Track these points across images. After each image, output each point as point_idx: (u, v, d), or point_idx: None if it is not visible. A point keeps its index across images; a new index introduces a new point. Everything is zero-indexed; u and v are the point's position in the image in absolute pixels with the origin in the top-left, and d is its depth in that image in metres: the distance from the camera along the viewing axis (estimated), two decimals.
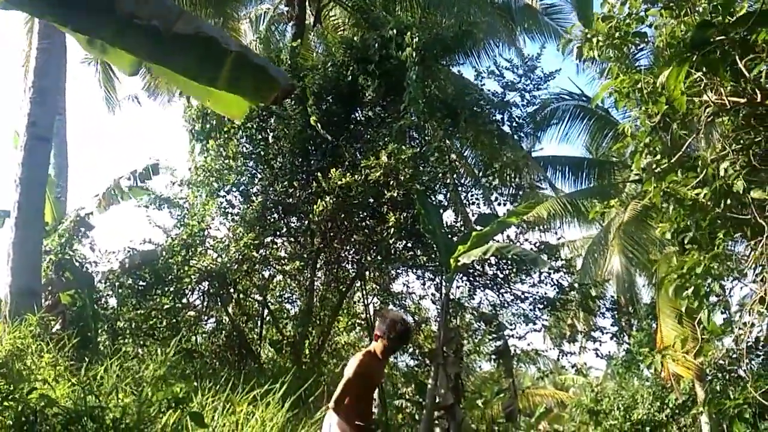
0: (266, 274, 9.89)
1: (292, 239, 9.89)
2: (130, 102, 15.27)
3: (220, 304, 9.26)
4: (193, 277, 8.36)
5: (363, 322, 11.29)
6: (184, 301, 9.01)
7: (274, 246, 9.82)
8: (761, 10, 3.58)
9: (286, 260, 9.70)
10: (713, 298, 6.03)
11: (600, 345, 11.85)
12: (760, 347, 7.52)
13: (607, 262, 16.19)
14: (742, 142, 4.25)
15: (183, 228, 8.72)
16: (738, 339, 7.30)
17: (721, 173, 4.05)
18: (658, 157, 4.44)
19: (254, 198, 8.89)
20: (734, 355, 7.56)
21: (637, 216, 12.33)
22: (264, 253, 9.19)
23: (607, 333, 10.80)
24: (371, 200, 8.83)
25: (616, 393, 12.40)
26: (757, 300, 5.80)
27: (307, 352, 9.56)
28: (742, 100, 4.18)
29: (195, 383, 5.21)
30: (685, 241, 4.80)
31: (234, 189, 9.19)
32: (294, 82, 7.41)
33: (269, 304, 9.99)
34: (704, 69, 3.93)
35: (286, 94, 5.01)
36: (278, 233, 9.71)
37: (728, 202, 4.36)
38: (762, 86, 4.06)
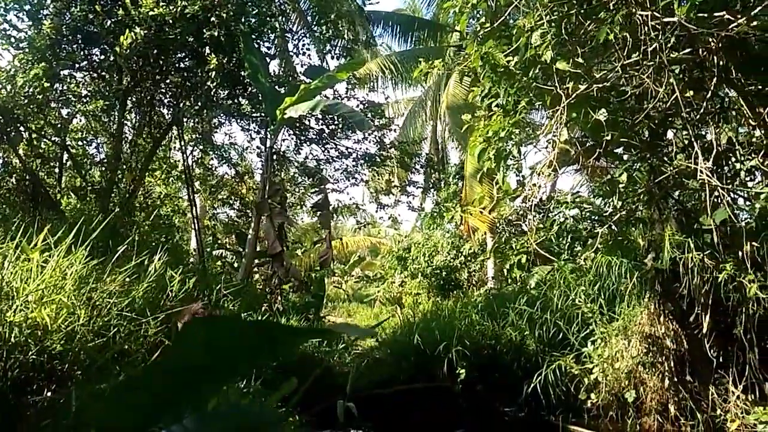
0: (64, 112, 8.70)
1: (95, 75, 8.70)
2: None
3: (7, 143, 8.03)
4: None
5: (181, 174, 10.76)
6: None
7: (73, 81, 8.57)
8: None
9: (88, 98, 8.58)
10: (510, 161, 6.72)
11: (412, 199, 12.87)
12: (542, 206, 8.74)
13: (425, 123, 17.15)
14: (556, 14, 4.49)
15: None
16: (526, 198, 8.35)
17: (533, 42, 4.29)
18: (483, 20, 4.53)
19: (45, 21, 7.49)
20: (521, 212, 8.72)
21: (457, 80, 12.98)
22: (60, 88, 8.00)
23: (419, 188, 11.68)
24: (190, 38, 7.97)
25: (421, 243, 13.76)
26: (546, 164, 6.58)
27: (116, 200, 8.94)
28: None
29: None
30: (493, 106, 5.14)
31: (17, 6, 7.61)
32: None
33: (69, 147, 8.93)
34: None
35: None
36: (77, 66, 8.45)
37: (536, 71, 4.68)
38: None
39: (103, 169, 9.19)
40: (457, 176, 14.43)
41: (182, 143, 10.00)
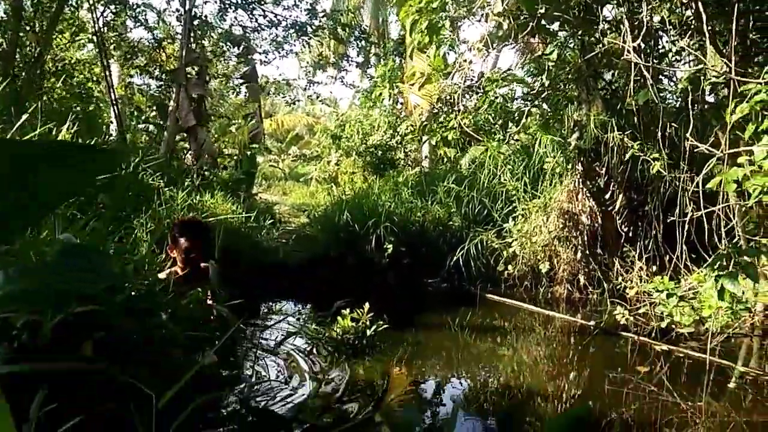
0: None
1: None
2: None
3: None
4: None
5: (94, 37, 9.79)
6: None
7: None
8: None
9: None
10: (443, 35, 6.44)
11: (346, 74, 12.39)
12: (477, 86, 8.63)
13: None
14: None
15: None
16: (461, 74, 8.16)
17: None
18: None
19: None
20: (457, 90, 8.56)
21: None
22: None
23: (353, 63, 11.19)
24: None
25: (356, 121, 13.50)
26: (479, 39, 6.33)
27: (20, 65, 8.14)
28: None
29: None
30: None
31: None
32: None
33: None
34: None
35: None
36: None
37: None
38: None
39: (3, 30, 8.26)
40: (395, 52, 13.91)
41: (92, 4, 9.02)
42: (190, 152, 8.34)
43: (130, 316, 1.61)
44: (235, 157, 11.09)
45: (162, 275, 2.84)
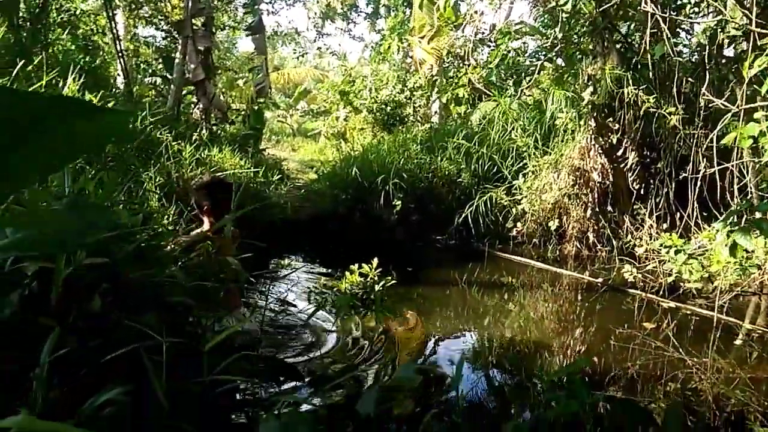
0: None
1: None
2: None
3: None
4: None
5: None
6: None
7: None
8: None
9: None
10: None
11: (354, 26, 12.08)
12: (488, 39, 8.41)
13: None
14: None
15: None
16: (472, 27, 7.93)
17: None
18: None
19: None
20: (465, 44, 8.37)
21: None
22: None
23: (362, 13, 10.90)
24: None
25: (366, 76, 13.27)
26: None
27: (25, 16, 7.99)
28: None
29: None
30: None
31: None
32: None
33: None
34: None
35: None
36: None
37: None
38: None
39: None
40: (404, 3, 13.52)
41: None
42: (198, 106, 8.25)
43: (139, 266, 1.62)
44: (242, 112, 10.98)
45: (193, 233, 2.83)
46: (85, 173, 2.44)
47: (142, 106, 6.49)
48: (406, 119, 12.98)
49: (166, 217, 3.32)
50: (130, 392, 1.20)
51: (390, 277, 4.62)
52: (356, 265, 4.57)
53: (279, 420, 1.15)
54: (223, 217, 3.06)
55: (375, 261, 4.59)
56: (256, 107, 10.59)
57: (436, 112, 12.19)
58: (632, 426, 1.25)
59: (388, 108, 12.86)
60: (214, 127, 8.00)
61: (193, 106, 9.04)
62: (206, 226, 3.06)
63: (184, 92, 8.39)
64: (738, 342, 3.86)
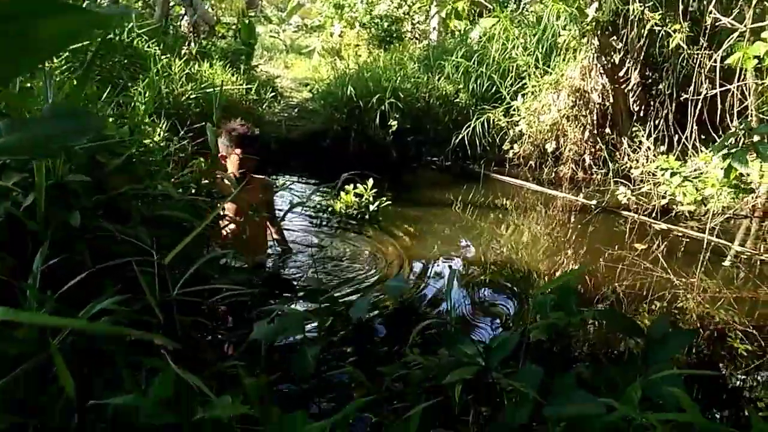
0: None
1: None
2: None
3: None
4: None
5: None
6: None
7: None
8: None
9: None
10: None
11: None
12: None
13: None
14: None
15: None
16: None
17: None
18: None
19: None
20: None
21: None
22: None
23: None
24: None
25: None
26: None
27: None
28: None
29: None
30: None
31: None
32: None
33: None
34: None
35: None
36: None
37: None
38: None
39: None
40: None
41: None
42: (185, 18, 7.90)
43: (127, 178, 1.59)
44: (233, 27, 10.56)
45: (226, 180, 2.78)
46: (70, 81, 2.35)
47: (128, 17, 6.21)
48: (403, 36, 12.54)
49: (156, 133, 3.25)
50: (123, 302, 1.20)
51: (385, 198, 4.63)
52: (351, 185, 4.55)
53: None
54: (247, 167, 3.08)
55: (370, 181, 4.58)
56: (246, 21, 10.18)
57: (434, 28, 11.76)
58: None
59: (385, 23, 12.40)
60: (204, 41, 7.71)
61: (180, 18, 8.67)
62: (232, 166, 3.06)
63: (171, 4, 8.01)
64: (726, 263, 3.93)
